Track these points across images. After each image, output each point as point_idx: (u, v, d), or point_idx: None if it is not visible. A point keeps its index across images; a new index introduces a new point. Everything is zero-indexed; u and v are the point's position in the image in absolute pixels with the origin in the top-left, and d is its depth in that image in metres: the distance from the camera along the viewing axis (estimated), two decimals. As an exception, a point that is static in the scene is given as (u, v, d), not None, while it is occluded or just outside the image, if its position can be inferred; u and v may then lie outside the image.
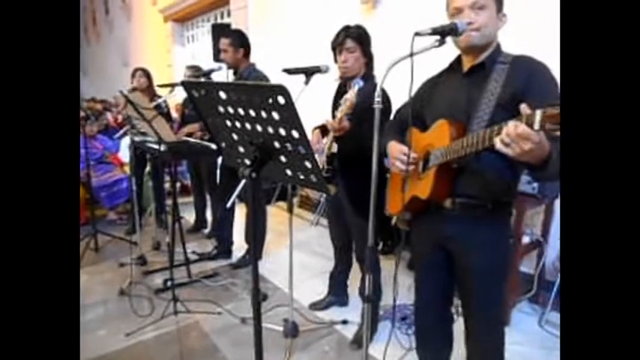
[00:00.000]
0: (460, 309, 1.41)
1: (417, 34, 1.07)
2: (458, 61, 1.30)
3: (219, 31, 4.64)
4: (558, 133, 0.79)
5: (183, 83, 1.26)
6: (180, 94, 3.07)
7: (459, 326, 1.49)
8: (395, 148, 1.34)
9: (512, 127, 0.88)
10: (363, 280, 2.08)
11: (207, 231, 3.68)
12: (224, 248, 3.14)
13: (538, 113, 0.82)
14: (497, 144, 0.92)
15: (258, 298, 1.21)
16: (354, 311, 2.30)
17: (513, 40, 1.33)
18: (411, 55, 1.06)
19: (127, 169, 3.98)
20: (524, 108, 0.86)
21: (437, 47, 1.11)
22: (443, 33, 1.10)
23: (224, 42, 2.61)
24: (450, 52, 1.27)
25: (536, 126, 0.83)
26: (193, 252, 3.15)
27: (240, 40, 2.65)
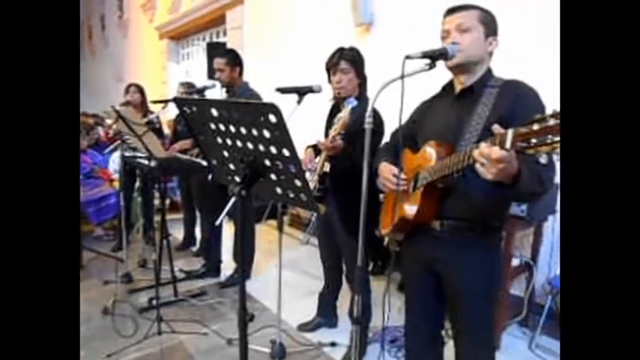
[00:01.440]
0: (450, 331, 1.40)
1: (407, 57, 1.09)
2: (450, 84, 1.34)
3: (215, 49, 4.70)
4: (530, 151, 0.82)
5: (175, 100, 1.26)
6: (173, 111, 3.08)
7: (448, 349, 1.47)
8: (385, 168, 1.35)
9: (485, 148, 0.90)
10: (352, 301, 2.05)
11: (195, 248, 3.62)
12: (212, 266, 3.09)
13: (510, 132, 0.85)
14: (477, 164, 0.94)
15: (245, 318, 1.18)
16: (343, 333, 2.26)
17: (508, 64, 1.36)
18: (402, 77, 1.08)
19: (116, 184, 3.93)
20: (496, 128, 0.89)
21: (427, 70, 1.13)
22: (433, 57, 1.13)
23: (220, 62, 2.65)
24: (445, 74, 1.30)
25: (508, 145, 0.85)
26: (181, 270, 3.10)
27: (235, 60, 2.69)
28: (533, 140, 0.80)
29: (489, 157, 0.90)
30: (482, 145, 0.92)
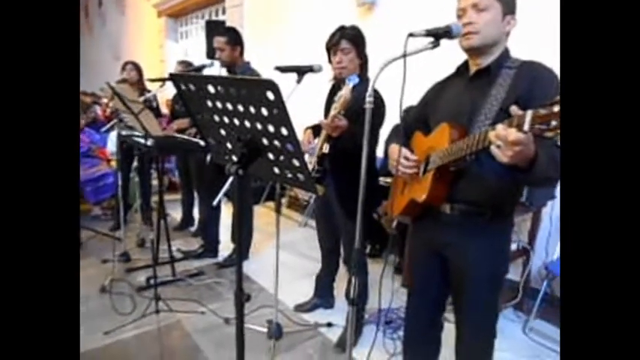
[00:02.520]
0: (448, 316, 1.40)
1: (410, 35, 1.06)
2: (465, 65, 1.29)
3: (214, 28, 4.60)
4: (549, 134, 0.79)
5: (171, 76, 1.23)
6: (170, 90, 3.03)
7: (445, 333, 1.49)
8: (396, 150, 1.31)
9: (502, 130, 0.87)
10: (349, 282, 2.06)
11: (193, 229, 3.63)
12: (210, 247, 3.10)
13: (528, 114, 0.81)
14: (492, 146, 0.91)
15: (242, 298, 1.18)
16: (339, 314, 2.28)
17: (525, 46, 1.31)
18: (404, 55, 1.05)
19: (113, 163, 3.91)
20: (514, 109, 0.86)
21: (431, 49, 1.10)
22: (437, 35, 1.09)
23: (220, 40, 2.58)
24: (449, 53, 1.26)
25: (526, 127, 0.82)
26: (178, 250, 3.11)
27: (236, 39, 2.62)
28: (553, 123, 0.77)
29: (506, 140, 0.86)
30: (499, 126, 0.88)
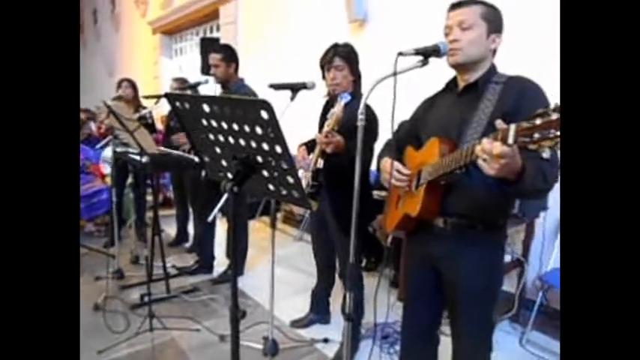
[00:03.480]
0: (445, 329, 1.40)
1: (400, 54, 1.09)
2: (454, 80, 1.32)
3: (209, 45, 4.66)
4: (532, 146, 0.82)
5: (167, 95, 1.24)
6: (165, 106, 3.04)
7: (442, 346, 1.49)
8: (388, 164, 1.33)
9: (487, 143, 0.90)
10: (345, 297, 2.06)
11: (188, 245, 3.61)
12: (205, 263, 3.08)
13: (512, 127, 0.85)
14: (479, 160, 0.93)
15: (237, 314, 1.18)
16: (335, 329, 2.27)
17: (512, 61, 1.35)
18: (395, 74, 1.08)
19: (108, 180, 3.90)
20: (499, 123, 0.89)
21: (420, 67, 1.13)
22: (426, 53, 1.13)
23: (215, 57, 2.62)
24: (439, 71, 1.30)
25: (510, 140, 0.85)
26: (173, 266, 3.08)
27: (231, 55, 2.67)
28: (536, 135, 0.79)
29: (491, 153, 0.89)
30: (484, 140, 0.91)
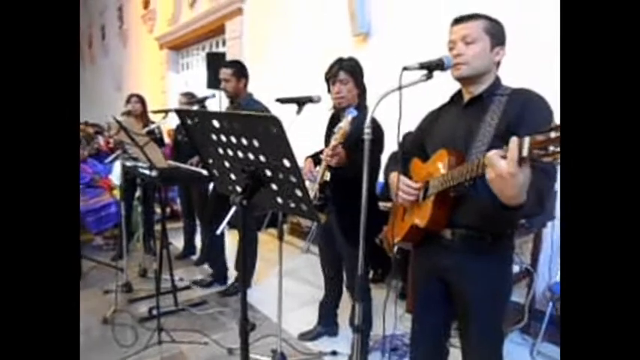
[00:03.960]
0: (454, 341, 1.39)
1: (405, 68, 1.11)
2: (459, 93, 1.34)
3: (215, 60, 4.74)
4: (547, 159, 0.82)
5: (177, 111, 1.27)
6: (172, 120, 3.09)
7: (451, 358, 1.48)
8: (396, 178, 1.34)
9: (491, 153, 0.92)
10: (353, 309, 2.05)
11: (195, 257, 3.62)
12: (219, 275, 3.08)
13: (526, 140, 0.85)
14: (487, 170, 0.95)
15: (247, 327, 1.19)
16: (343, 342, 2.26)
17: (514, 74, 1.37)
18: (400, 88, 1.10)
19: (116, 193, 3.94)
20: (513, 140, 0.89)
21: (424, 81, 1.15)
22: (430, 67, 1.15)
23: (226, 72, 2.68)
24: (443, 83, 1.32)
25: (525, 152, 0.85)
26: (189, 280, 3.10)
27: (242, 71, 2.73)
28: (551, 148, 0.80)
29: (501, 174, 0.91)
30: (493, 151, 0.93)
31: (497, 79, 1.26)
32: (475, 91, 1.26)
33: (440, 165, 1.23)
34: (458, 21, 1.23)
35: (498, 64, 1.26)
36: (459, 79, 1.25)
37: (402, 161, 1.41)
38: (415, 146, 1.45)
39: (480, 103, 1.24)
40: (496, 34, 1.21)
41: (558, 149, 0.79)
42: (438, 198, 1.22)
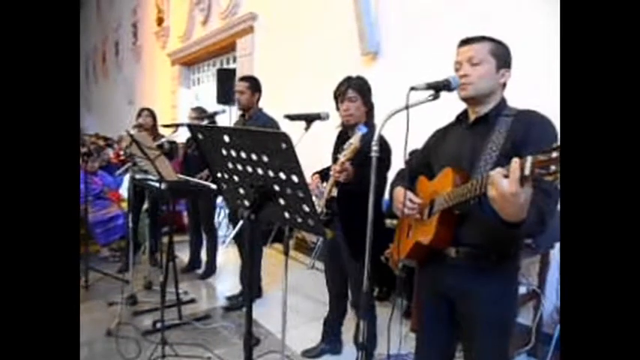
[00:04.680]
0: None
1: (412, 88, 1.14)
2: (465, 113, 1.36)
3: (225, 76, 4.84)
4: (548, 178, 0.83)
5: (189, 126, 1.31)
6: (183, 134, 3.15)
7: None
8: (401, 193, 1.35)
9: (493, 172, 0.94)
10: (357, 327, 2.03)
11: (200, 271, 3.62)
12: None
13: (529, 159, 0.87)
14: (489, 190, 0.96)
15: (250, 342, 1.19)
16: (347, 359, 2.24)
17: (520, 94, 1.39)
18: (407, 107, 1.12)
19: (124, 205, 3.98)
20: (515, 160, 0.91)
21: (431, 101, 1.17)
22: (437, 88, 1.17)
23: (242, 84, 2.77)
24: (450, 103, 1.34)
25: (527, 171, 0.87)
26: (185, 292, 3.09)
27: (257, 86, 2.82)
28: (553, 167, 0.81)
29: (503, 194, 0.93)
30: (496, 171, 0.95)
31: (503, 100, 1.28)
32: (481, 111, 1.27)
33: (445, 183, 1.24)
34: (464, 42, 1.25)
35: (504, 85, 1.28)
36: (465, 100, 1.27)
37: (408, 178, 1.43)
38: (421, 164, 1.46)
39: (486, 124, 1.25)
40: (501, 57, 1.24)
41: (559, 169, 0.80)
42: (442, 215, 1.22)
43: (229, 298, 2.98)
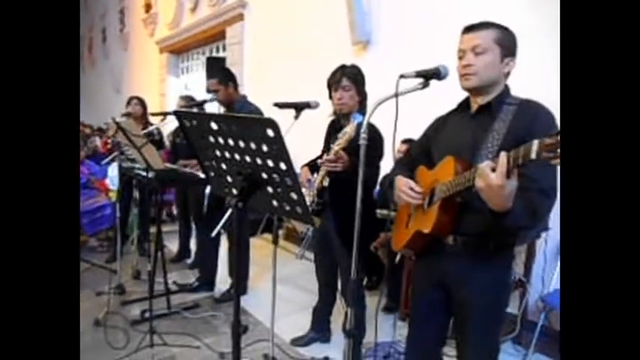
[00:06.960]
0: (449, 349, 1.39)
1: (402, 76, 1.13)
2: (466, 101, 1.33)
3: (214, 64, 4.78)
4: (556, 161, 0.83)
5: (175, 113, 1.29)
6: (171, 123, 3.11)
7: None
8: (401, 181, 1.33)
9: (482, 164, 0.94)
10: (346, 315, 2.05)
11: (190, 261, 3.61)
12: (207, 279, 3.07)
13: (535, 143, 0.86)
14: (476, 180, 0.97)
15: (239, 330, 1.19)
16: (336, 348, 2.25)
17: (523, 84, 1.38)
18: (396, 95, 1.12)
19: (112, 195, 3.93)
20: (503, 154, 0.93)
21: (420, 89, 1.17)
22: (426, 76, 1.16)
23: (212, 82, 2.67)
24: (441, 92, 1.33)
25: (534, 155, 0.86)
26: (174, 282, 3.08)
27: (226, 76, 2.71)
28: (559, 150, 0.81)
29: (490, 185, 0.96)
30: (502, 153, 0.95)
31: (507, 88, 1.25)
32: (483, 100, 1.25)
33: (446, 171, 1.21)
34: (469, 29, 1.21)
35: (508, 74, 1.24)
36: (467, 90, 1.25)
37: (410, 166, 1.41)
38: (421, 153, 1.44)
39: (489, 112, 1.23)
40: (507, 45, 1.20)
41: None
42: (443, 204, 1.21)
43: (221, 296, 2.97)
